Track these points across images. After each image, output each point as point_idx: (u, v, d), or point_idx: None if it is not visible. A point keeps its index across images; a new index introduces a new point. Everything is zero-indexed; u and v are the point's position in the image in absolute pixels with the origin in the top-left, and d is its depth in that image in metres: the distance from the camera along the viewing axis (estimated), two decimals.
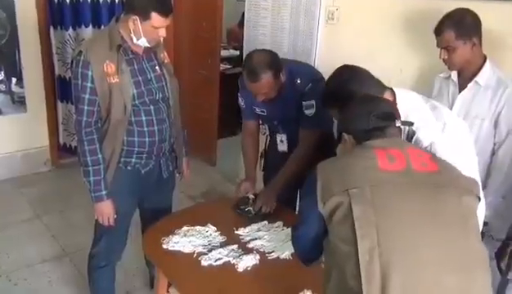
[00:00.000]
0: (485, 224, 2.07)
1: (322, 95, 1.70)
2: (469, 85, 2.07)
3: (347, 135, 1.44)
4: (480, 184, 1.38)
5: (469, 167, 1.54)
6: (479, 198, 1.30)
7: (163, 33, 1.94)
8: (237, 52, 5.35)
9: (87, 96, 1.91)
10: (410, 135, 1.57)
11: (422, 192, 1.23)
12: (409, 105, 1.58)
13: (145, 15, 1.86)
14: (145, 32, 1.90)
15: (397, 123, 1.40)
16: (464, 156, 1.55)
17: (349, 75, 1.63)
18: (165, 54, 2.16)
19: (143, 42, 1.94)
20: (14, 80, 3.84)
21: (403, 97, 1.61)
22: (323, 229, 1.33)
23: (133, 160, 2.08)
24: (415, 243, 1.16)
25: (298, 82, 2.20)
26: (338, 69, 1.69)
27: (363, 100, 1.49)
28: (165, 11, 1.89)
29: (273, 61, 2.09)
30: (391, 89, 1.65)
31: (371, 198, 1.19)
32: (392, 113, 1.42)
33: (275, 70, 2.07)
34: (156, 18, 1.87)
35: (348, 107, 1.47)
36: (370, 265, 1.13)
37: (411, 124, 1.48)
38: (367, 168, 1.25)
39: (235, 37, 5.54)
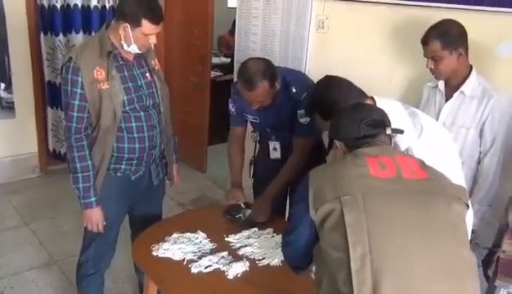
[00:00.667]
0: (472, 231, 2.10)
1: (306, 104, 1.76)
2: (455, 94, 2.11)
3: (338, 142, 1.45)
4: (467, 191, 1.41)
5: (449, 171, 1.56)
6: (468, 206, 1.32)
7: (153, 40, 1.94)
8: (228, 59, 5.37)
9: (76, 102, 1.91)
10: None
11: (413, 199, 1.24)
12: (387, 110, 1.61)
13: (135, 22, 1.87)
14: (135, 39, 1.90)
15: (388, 131, 1.43)
16: (443, 161, 1.58)
17: (330, 85, 1.75)
18: (156, 61, 2.16)
19: (134, 49, 1.94)
20: (3, 85, 3.81)
21: (383, 104, 1.66)
22: (314, 235, 1.34)
23: (123, 166, 2.07)
24: (406, 251, 1.17)
25: (294, 90, 2.21)
26: (320, 79, 1.81)
27: (354, 107, 1.52)
28: (156, 19, 1.89)
29: (269, 70, 2.10)
30: (371, 97, 1.71)
31: (363, 205, 1.21)
32: (382, 121, 1.44)
33: (270, 79, 2.08)
34: (147, 25, 1.87)
35: (340, 114, 1.50)
36: (361, 272, 1.14)
37: (402, 132, 1.51)
38: (359, 176, 1.26)
39: (227, 45, 5.56)
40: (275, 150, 2.42)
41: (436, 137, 1.67)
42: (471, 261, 1.24)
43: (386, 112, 1.60)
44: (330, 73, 1.85)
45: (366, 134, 1.38)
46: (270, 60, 2.20)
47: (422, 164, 1.34)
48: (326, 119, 1.66)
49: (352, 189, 1.23)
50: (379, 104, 1.67)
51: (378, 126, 1.41)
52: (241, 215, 2.17)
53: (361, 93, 1.73)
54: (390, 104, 1.71)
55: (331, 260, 1.22)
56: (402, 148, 1.59)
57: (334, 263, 1.21)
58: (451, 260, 1.19)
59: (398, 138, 1.59)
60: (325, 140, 1.71)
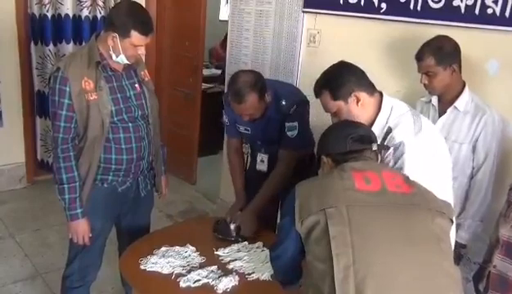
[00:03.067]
0: (463, 246, 2.10)
1: (317, 80, 1.77)
2: (449, 110, 2.12)
3: (325, 158, 1.48)
4: (453, 205, 1.41)
5: (438, 178, 1.61)
6: (452, 221, 1.33)
7: (142, 51, 1.93)
8: (219, 71, 5.38)
9: (64, 113, 1.89)
10: (387, 132, 1.64)
11: (397, 211, 1.26)
12: (393, 106, 1.69)
13: (124, 32, 1.86)
14: (124, 49, 1.89)
15: (374, 147, 1.45)
16: (433, 166, 1.61)
17: (344, 66, 1.77)
18: (146, 72, 2.15)
19: (122, 59, 1.92)
20: None
21: (389, 100, 1.72)
22: (301, 248, 1.35)
23: (110, 177, 2.04)
24: (389, 262, 1.19)
25: (283, 103, 2.21)
26: (336, 63, 1.81)
27: (341, 124, 1.56)
28: (145, 30, 1.88)
29: (258, 82, 2.10)
30: (380, 92, 1.73)
31: (347, 217, 1.22)
32: (369, 137, 1.47)
33: (260, 91, 2.08)
34: (136, 36, 1.86)
35: (327, 131, 1.53)
36: (344, 284, 1.15)
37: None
38: (344, 189, 1.28)
39: (218, 57, 5.58)
40: (262, 162, 2.41)
41: (432, 142, 1.66)
42: (455, 274, 1.25)
43: (391, 107, 1.67)
44: None
45: (353, 149, 1.42)
46: (260, 72, 2.20)
47: (407, 180, 1.36)
48: (335, 99, 1.69)
49: (337, 202, 1.25)
50: (386, 101, 1.70)
51: (364, 141, 1.44)
52: (231, 232, 2.13)
53: (372, 84, 1.73)
54: (396, 101, 1.74)
55: (316, 272, 1.23)
56: (397, 141, 1.59)
57: (319, 275, 1.22)
58: (434, 272, 1.20)
59: (396, 132, 1.62)
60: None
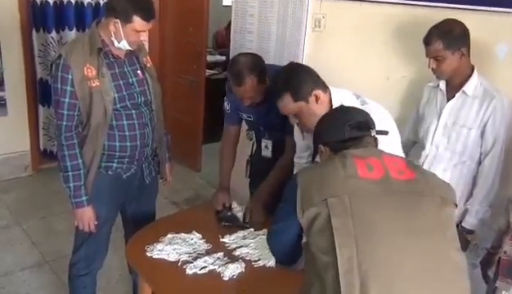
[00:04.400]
0: (471, 232, 2.09)
1: (275, 84, 1.82)
2: (457, 94, 2.09)
3: (323, 147, 1.45)
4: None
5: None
6: (456, 205, 1.32)
7: (144, 36, 1.93)
8: (223, 57, 5.34)
9: (66, 100, 1.87)
10: None
11: (401, 200, 1.24)
12: (341, 99, 1.77)
13: (126, 18, 1.84)
14: (126, 35, 1.87)
15: (373, 133, 1.42)
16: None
17: (298, 67, 1.87)
18: (148, 58, 2.13)
19: (124, 45, 1.91)
20: None
21: (335, 93, 1.80)
22: (299, 233, 1.36)
23: (114, 165, 2.04)
24: (394, 253, 1.16)
25: None
26: (285, 65, 1.93)
27: (338, 110, 1.53)
28: (147, 16, 1.86)
29: (257, 64, 2.08)
30: (327, 86, 1.81)
31: (350, 207, 1.20)
32: (367, 123, 1.43)
33: (259, 73, 2.06)
34: (138, 22, 1.84)
35: (323, 119, 1.51)
36: (349, 275, 1.14)
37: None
38: (347, 177, 1.25)
39: (222, 42, 5.54)
40: (266, 148, 2.39)
41: (381, 124, 1.65)
42: (461, 263, 1.23)
43: (340, 99, 1.77)
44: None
45: (351, 136, 1.39)
46: (260, 55, 2.18)
47: (409, 164, 1.34)
48: (296, 100, 1.74)
49: (339, 191, 1.23)
50: (334, 93, 1.79)
51: (363, 128, 1.41)
52: (239, 219, 2.14)
53: (323, 81, 1.81)
54: (342, 93, 1.82)
55: (320, 264, 1.21)
56: None
57: (322, 266, 1.20)
58: (439, 264, 1.18)
59: None
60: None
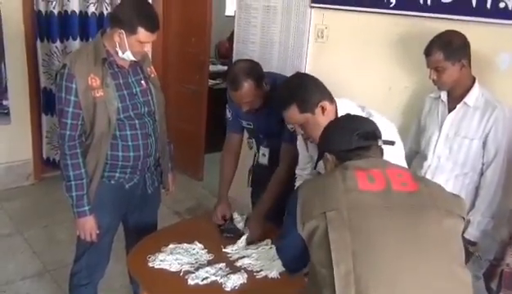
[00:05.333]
0: (473, 244, 2.08)
1: (280, 94, 1.81)
2: (458, 106, 2.09)
3: (329, 155, 1.43)
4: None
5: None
6: (463, 218, 1.27)
7: (148, 47, 1.94)
8: (226, 68, 5.36)
9: (70, 110, 1.88)
10: None
11: (401, 214, 1.21)
12: (346, 111, 1.72)
13: (131, 29, 1.85)
14: (130, 46, 1.88)
15: (379, 143, 1.41)
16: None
17: (304, 77, 1.85)
18: (152, 68, 2.14)
19: (128, 56, 1.92)
20: None
21: (342, 103, 1.80)
22: (305, 244, 1.32)
23: (117, 174, 2.04)
24: (393, 269, 1.14)
25: None
26: (291, 75, 1.93)
27: (346, 118, 1.50)
28: (152, 27, 1.88)
29: (254, 69, 2.09)
30: (333, 98, 1.81)
31: (348, 221, 1.18)
32: (374, 133, 1.42)
33: (256, 78, 2.07)
34: (143, 33, 1.86)
35: (331, 126, 1.49)
36: (345, 291, 1.12)
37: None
38: (347, 190, 1.23)
39: (225, 53, 5.56)
40: (263, 156, 2.40)
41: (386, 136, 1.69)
42: (464, 278, 1.19)
43: (344, 112, 1.72)
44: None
45: (358, 146, 1.37)
46: (257, 62, 2.19)
47: (414, 176, 1.31)
48: (302, 111, 1.73)
49: (338, 205, 1.21)
50: (339, 104, 1.79)
51: (369, 138, 1.39)
52: (237, 227, 2.14)
53: (329, 92, 1.80)
54: (347, 104, 1.82)
55: (319, 277, 1.20)
56: None
57: (321, 279, 1.19)
58: (442, 279, 1.15)
59: None
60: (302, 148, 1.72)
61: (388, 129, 1.74)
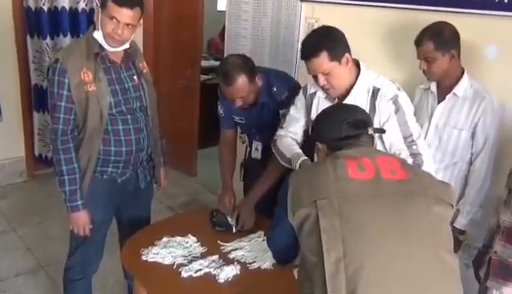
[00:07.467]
0: (462, 232, 2.11)
1: (311, 42, 1.85)
2: (448, 96, 2.11)
3: (320, 144, 1.46)
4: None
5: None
6: (452, 206, 1.29)
7: (122, 30, 1.85)
8: (218, 63, 5.35)
9: (63, 104, 1.88)
10: (376, 91, 1.84)
11: (391, 202, 1.22)
12: (372, 74, 1.89)
13: (103, 4, 1.86)
14: (103, 24, 1.87)
15: (370, 131, 1.43)
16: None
17: (332, 28, 1.90)
18: (144, 63, 2.14)
19: (98, 36, 1.89)
20: None
21: (367, 71, 1.90)
22: (295, 235, 1.34)
23: (110, 169, 2.04)
24: (382, 256, 1.15)
25: (275, 90, 2.20)
26: (322, 26, 2.00)
27: (336, 108, 1.53)
28: (121, 0, 1.82)
29: (247, 64, 2.10)
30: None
31: (339, 209, 1.19)
32: (364, 121, 1.44)
33: (249, 73, 2.07)
34: (111, 7, 1.82)
35: (322, 115, 1.52)
36: (335, 278, 1.13)
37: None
38: (337, 179, 1.25)
39: (216, 48, 5.55)
40: (256, 150, 2.41)
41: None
42: (452, 264, 1.21)
43: (375, 78, 1.86)
44: None
45: (348, 134, 1.39)
46: (249, 57, 2.19)
47: (403, 164, 1.33)
48: (332, 59, 1.79)
49: (328, 193, 1.22)
50: (362, 63, 1.89)
51: (360, 126, 1.41)
52: (231, 224, 2.13)
53: (349, 45, 1.87)
54: (371, 73, 1.90)
55: (309, 265, 1.21)
56: (389, 96, 1.82)
57: (311, 268, 1.20)
58: (430, 265, 1.17)
59: (384, 90, 1.83)
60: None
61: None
